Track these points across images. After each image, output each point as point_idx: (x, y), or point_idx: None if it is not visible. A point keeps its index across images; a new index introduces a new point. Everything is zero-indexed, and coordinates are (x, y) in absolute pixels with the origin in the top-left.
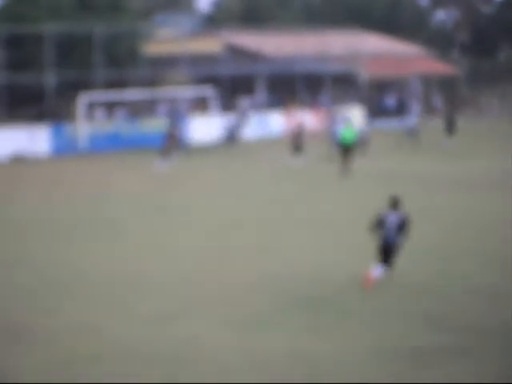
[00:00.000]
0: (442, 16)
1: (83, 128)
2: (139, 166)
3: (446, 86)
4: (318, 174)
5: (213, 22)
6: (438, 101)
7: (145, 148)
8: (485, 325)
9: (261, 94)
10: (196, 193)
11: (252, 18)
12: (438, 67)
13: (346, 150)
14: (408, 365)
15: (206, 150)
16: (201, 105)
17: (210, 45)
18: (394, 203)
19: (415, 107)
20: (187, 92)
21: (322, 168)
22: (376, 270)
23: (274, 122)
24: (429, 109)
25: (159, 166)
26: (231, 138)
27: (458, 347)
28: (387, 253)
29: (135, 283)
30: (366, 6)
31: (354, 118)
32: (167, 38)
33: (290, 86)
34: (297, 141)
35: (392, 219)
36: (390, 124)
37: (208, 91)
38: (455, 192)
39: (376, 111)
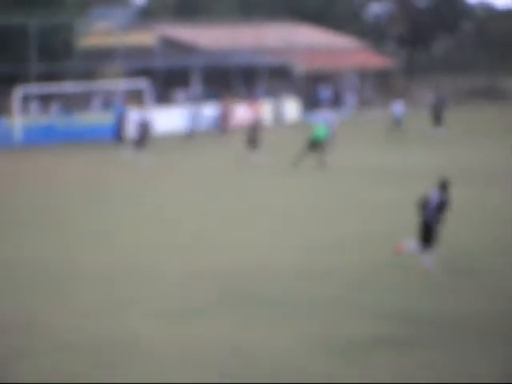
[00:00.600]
0: (376, 9)
1: (18, 121)
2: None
3: (382, 78)
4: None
5: (148, 14)
6: (370, 92)
7: (80, 141)
8: (430, 316)
9: (196, 87)
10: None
11: (187, 11)
12: (373, 59)
13: (316, 145)
14: (347, 356)
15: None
16: (136, 97)
17: (145, 37)
18: (442, 185)
19: (351, 99)
20: (122, 85)
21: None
22: (410, 244)
23: (210, 115)
24: (362, 101)
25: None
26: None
27: (398, 338)
28: (426, 231)
29: (80, 276)
30: None
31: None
32: (103, 30)
33: (225, 79)
34: (253, 135)
35: (434, 200)
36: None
37: (143, 84)
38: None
39: (312, 103)
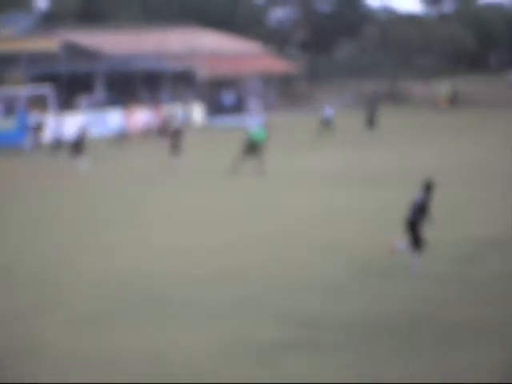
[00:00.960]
0: (279, 14)
1: None
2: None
3: (285, 82)
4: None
5: (51, 20)
6: (273, 97)
7: None
8: (339, 319)
9: (100, 93)
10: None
11: (90, 17)
12: (276, 64)
13: (255, 148)
14: (257, 359)
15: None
16: (39, 103)
17: (49, 43)
18: (426, 186)
19: (254, 104)
20: (25, 91)
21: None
22: (402, 244)
23: (114, 121)
24: (266, 106)
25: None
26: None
27: (308, 341)
28: (410, 230)
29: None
30: (204, 3)
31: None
32: (5, 36)
33: (129, 84)
34: (175, 140)
35: (417, 200)
36: (229, 121)
37: (46, 90)
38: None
39: (215, 108)
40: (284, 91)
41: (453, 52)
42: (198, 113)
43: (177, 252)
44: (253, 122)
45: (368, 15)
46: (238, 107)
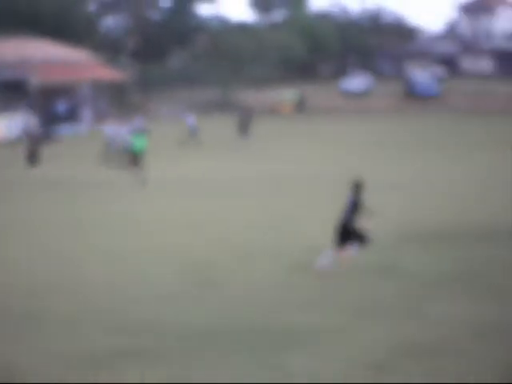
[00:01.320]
0: (110, 22)
1: None
2: None
3: (117, 92)
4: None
5: None
6: (105, 106)
7: None
8: (176, 328)
9: None
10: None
11: None
12: (108, 73)
13: (136, 158)
14: (90, 370)
15: None
16: None
17: None
18: (355, 186)
19: (87, 114)
20: None
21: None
22: (322, 261)
23: None
24: (98, 115)
25: None
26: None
27: (143, 350)
28: (343, 232)
29: None
30: (34, 11)
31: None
32: None
33: None
34: (33, 149)
35: (349, 200)
36: (63, 130)
37: None
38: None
39: (48, 118)
40: (116, 100)
41: (284, 60)
42: (31, 122)
43: (21, 263)
44: (112, 131)
45: (200, 24)
46: (72, 116)
